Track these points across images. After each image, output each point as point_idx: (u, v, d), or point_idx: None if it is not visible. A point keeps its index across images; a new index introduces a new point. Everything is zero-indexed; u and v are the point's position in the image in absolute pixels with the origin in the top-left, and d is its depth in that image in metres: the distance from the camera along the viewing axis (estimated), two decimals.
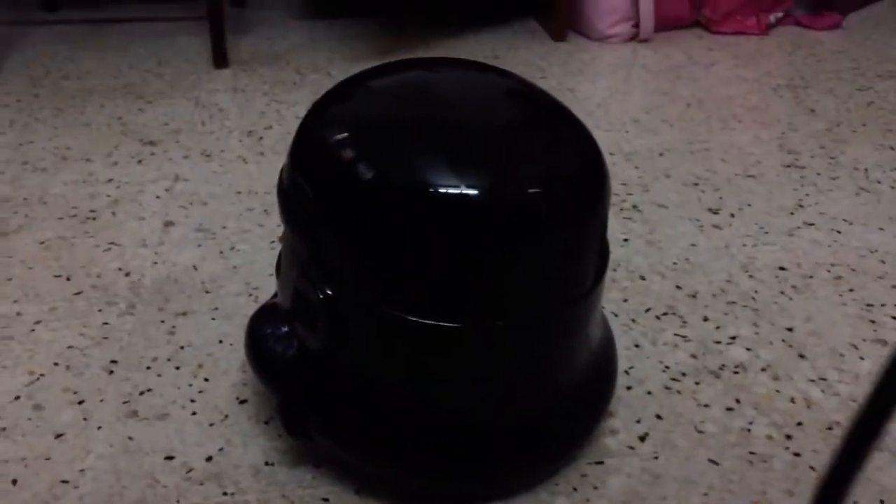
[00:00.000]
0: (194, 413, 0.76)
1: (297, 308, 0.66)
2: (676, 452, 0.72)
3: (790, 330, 0.87)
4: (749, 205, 1.10)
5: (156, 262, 0.97)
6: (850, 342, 0.86)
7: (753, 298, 0.92)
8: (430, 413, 0.66)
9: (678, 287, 0.94)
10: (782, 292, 0.93)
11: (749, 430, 0.75)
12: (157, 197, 1.11)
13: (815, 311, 0.90)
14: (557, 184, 0.62)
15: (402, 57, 0.72)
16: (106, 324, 0.88)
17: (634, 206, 1.10)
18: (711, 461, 0.72)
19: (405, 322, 0.61)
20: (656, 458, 0.72)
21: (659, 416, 0.76)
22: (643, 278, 0.95)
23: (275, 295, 0.77)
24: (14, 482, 0.69)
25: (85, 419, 0.76)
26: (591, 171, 0.64)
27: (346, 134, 0.64)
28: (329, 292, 0.62)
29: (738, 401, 0.78)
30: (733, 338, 0.86)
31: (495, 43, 1.68)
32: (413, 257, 0.60)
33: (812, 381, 0.80)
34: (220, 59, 1.55)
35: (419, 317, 0.60)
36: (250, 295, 0.92)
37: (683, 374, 0.81)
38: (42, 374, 0.81)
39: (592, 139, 0.66)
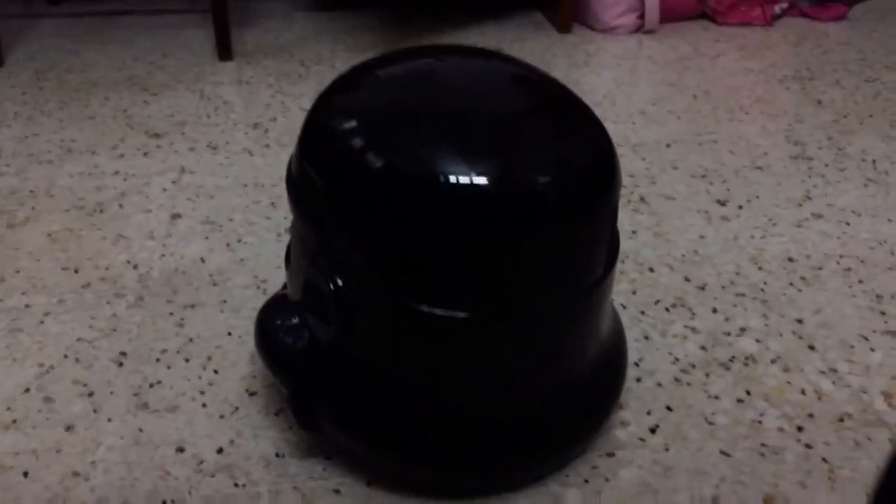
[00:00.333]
0: (204, 405, 0.76)
1: (308, 299, 0.66)
2: (687, 444, 0.72)
3: (800, 321, 0.87)
4: (757, 196, 1.10)
5: (163, 255, 0.97)
6: (861, 333, 0.85)
7: (762, 290, 0.92)
8: (440, 404, 0.66)
9: (687, 279, 0.93)
10: (791, 284, 0.93)
11: (760, 422, 0.74)
12: (164, 189, 1.11)
13: (825, 303, 0.90)
14: (568, 172, 0.62)
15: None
16: (114, 316, 0.87)
17: (642, 199, 1.09)
18: (723, 453, 0.71)
19: (416, 312, 0.60)
20: (667, 449, 0.72)
21: (669, 408, 0.76)
22: (652, 270, 0.95)
23: (284, 287, 0.77)
24: (25, 474, 0.69)
25: (95, 411, 0.76)
26: (601, 159, 0.64)
27: (354, 123, 0.63)
28: (339, 282, 0.62)
29: (748, 392, 0.78)
30: (743, 329, 0.86)
31: (500, 35, 1.67)
32: (423, 247, 0.59)
33: (822, 372, 0.80)
34: (225, 51, 1.55)
35: (430, 306, 0.60)
36: (258, 287, 0.92)
37: (693, 366, 0.81)
38: (52, 367, 0.81)
39: (602, 127, 0.66)
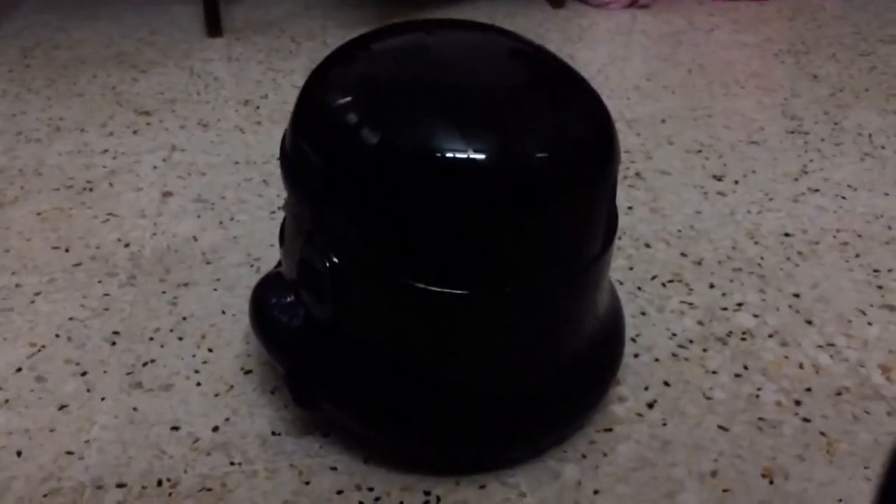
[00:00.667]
0: (199, 384, 0.76)
1: (303, 277, 0.65)
2: (685, 419, 0.72)
3: (797, 296, 0.87)
4: (753, 171, 1.09)
5: (155, 233, 0.96)
6: (858, 308, 0.85)
7: (759, 265, 0.91)
8: (437, 381, 0.66)
9: (683, 254, 0.93)
10: (788, 258, 0.92)
11: (758, 397, 0.74)
12: (155, 167, 1.10)
13: (822, 277, 0.89)
14: (566, 146, 0.61)
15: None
16: (106, 295, 0.86)
17: (637, 174, 1.09)
18: (721, 427, 0.71)
19: (412, 289, 0.60)
20: (665, 424, 0.71)
21: (667, 383, 0.76)
22: (648, 246, 0.94)
23: (278, 264, 0.76)
24: (19, 454, 0.68)
25: (88, 390, 0.75)
26: (600, 133, 0.63)
27: (349, 97, 0.62)
28: (335, 260, 0.61)
29: (745, 367, 0.77)
30: (740, 304, 0.85)
31: (493, 10, 1.65)
32: (420, 223, 0.59)
33: (820, 346, 0.80)
34: (214, 27, 1.53)
35: (427, 284, 0.59)
36: (252, 265, 0.91)
37: (690, 342, 0.80)
38: (43, 346, 0.80)
39: (600, 101, 0.65)
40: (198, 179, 1.07)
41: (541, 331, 0.64)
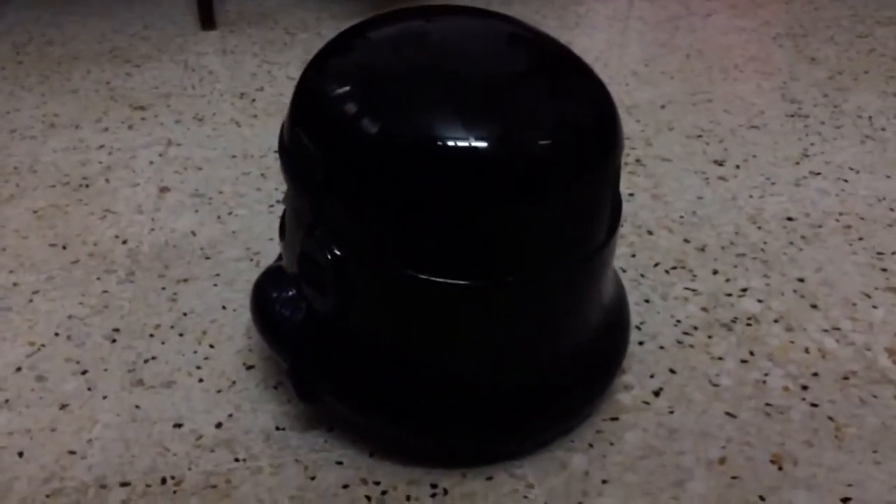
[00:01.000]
0: (201, 380, 0.75)
1: (304, 270, 0.64)
2: (692, 406, 0.72)
3: (801, 280, 0.86)
4: (754, 156, 1.09)
5: (153, 229, 0.95)
6: (863, 291, 0.85)
7: (763, 250, 0.91)
8: (442, 373, 0.65)
9: (686, 241, 0.92)
10: (791, 243, 0.92)
11: (764, 382, 0.74)
12: (151, 162, 1.09)
13: (826, 261, 0.89)
14: (569, 133, 0.60)
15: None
16: (105, 292, 0.86)
17: (638, 160, 1.08)
18: (728, 414, 0.71)
19: (416, 281, 0.59)
20: (672, 412, 0.71)
21: (672, 371, 0.75)
22: (650, 233, 0.94)
23: (278, 258, 0.75)
24: (20, 454, 0.68)
25: (89, 389, 0.74)
26: (603, 119, 0.62)
27: (348, 87, 0.61)
28: (337, 252, 0.61)
29: (751, 353, 0.77)
30: (744, 290, 0.85)
31: None
32: (421, 213, 0.58)
33: (826, 331, 0.79)
34: (208, 20, 1.52)
35: (430, 275, 0.59)
36: (251, 260, 0.90)
37: (695, 328, 0.80)
38: (43, 345, 0.79)
39: (603, 86, 0.64)
40: (194, 174, 1.06)
41: (546, 321, 0.64)
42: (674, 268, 0.88)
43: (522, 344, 0.64)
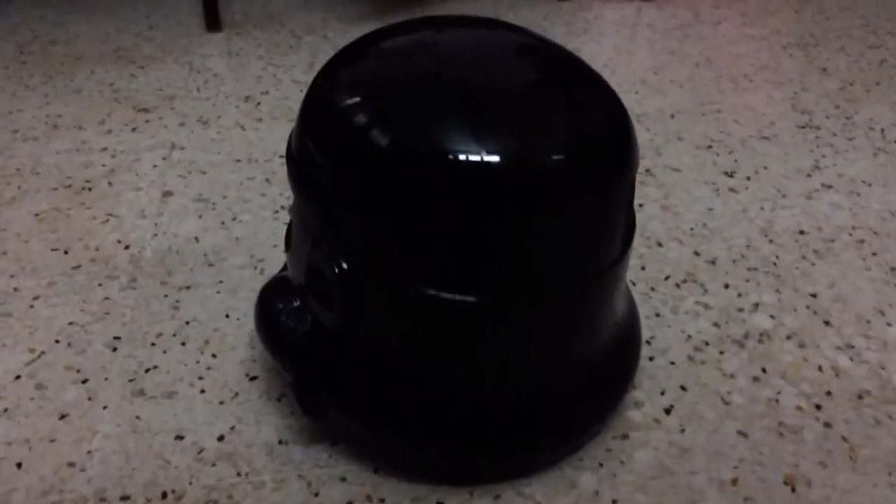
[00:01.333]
0: (203, 391, 0.74)
1: (311, 283, 0.63)
2: (703, 425, 0.70)
3: (814, 296, 0.85)
4: (765, 167, 1.07)
5: (156, 234, 0.94)
6: (877, 307, 0.83)
7: (775, 264, 0.89)
8: (449, 389, 0.64)
9: (697, 253, 0.91)
10: (804, 257, 0.91)
11: (777, 401, 0.72)
12: (154, 166, 1.08)
13: (839, 276, 0.88)
14: (583, 146, 0.59)
15: (401, 19, 0.68)
16: (107, 299, 0.84)
17: (648, 171, 1.07)
18: (740, 433, 0.69)
19: (425, 296, 0.58)
20: (683, 430, 0.70)
21: (683, 388, 0.74)
22: (660, 245, 0.92)
23: (283, 268, 0.74)
24: (19, 465, 0.66)
25: (90, 398, 0.73)
26: (617, 132, 0.61)
27: (358, 97, 0.60)
28: (344, 266, 0.59)
29: (764, 370, 0.76)
30: (756, 305, 0.83)
31: (495, 3, 1.63)
32: (432, 228, 0.57)
33: (839, 348, 0.78)
34: (213, 22, 1.51)
35: (440, 291, 0.57)
36: (255, 267, 0.89)
37: (707, 344, 0.79)
38: (43, 352, 0.78)
39: (617, 97, 0.63)
40: (198, 178, 1.05)
41: (557, 338, 0.62)
42: (684, 281, 0.87)
43: (532, 361, 0.62)
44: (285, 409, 0.71)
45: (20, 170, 1.06)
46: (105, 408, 0.72)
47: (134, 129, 1.16)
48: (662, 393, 0.73)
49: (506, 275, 0.58)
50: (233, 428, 0.70)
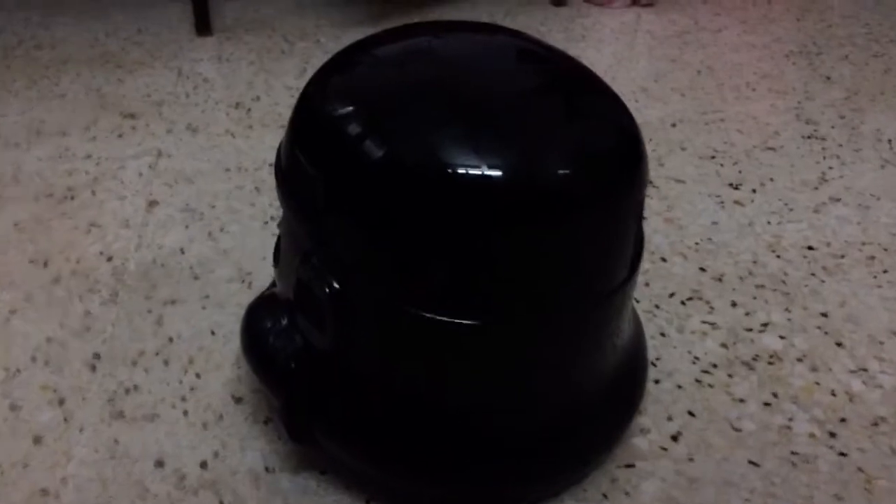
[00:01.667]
0: (186, 413, 0.70)
1: (300, 302, 0.59)
2: (712, 453, 0.67)
3: (825, 315, 0.81)
4: (771, 179, 1.04)
5: (140, 246, 0.90)
6: (890, 328, 0.80)
7: (783, 281, 0.86)
8: (446, 416, 0.60)
9: (702, 269, 0.88)
10: (813, 274, 0.87)
11: (790, 428, 0.69)
12: (140, 174, 1.04)
13: (850, 295, 0.84)
14: (589, 160, 0.55)
15: (395, 24, 0.65)
16: (88, 313, 0.81)
17: (650, 182, 1.03)
18: (751, 462, 0.66)
19: (422, 319, 0.54)
20: (691, 459, 0.66)
21: (691, 413, 0.70)
22: (664, 260, 0.89)
23: (272, 285, 0.71)
24: None
25: (66, 420, 0.69)
26: (626, 144, 0.57)
27: (351, 107, 0.56)
28: (336, 286, 0.56)
29: (775, 395, 0.72)
30: (765, 325, 0.80)
31: (492, 8, 1.60)
32: (430, 245, 0.53)
33: (852, 371, 0.75)
34: (203, 26, 1.47)
35: (437, 313, 0.54)
36: (243, 281, 0.85)
37: (714, 366, 0.75)
38: (18, 370, 0.74)
39: (624, 106, 0.59)
40: (185, 187, 1.01)
41: (560, 363, 0.59)
42: (690, 298, 0.83)
43: (534, 387, 0.59)
44: (272, 433, 0.68)
45: (0, 177, 1.02)
46: (82, 430, 0.68)
47: (120, 136, 1.13)
48: (669, 419, 0.70)
49: (507, 297, 0.54)
50: (216, 454, 0.66)
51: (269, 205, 0.97)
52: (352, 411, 0.61)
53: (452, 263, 0.53)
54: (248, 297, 0.74)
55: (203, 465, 0.65)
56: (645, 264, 0.88)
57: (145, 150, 1.09)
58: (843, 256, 0.90)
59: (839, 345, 0.78)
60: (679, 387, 0.73)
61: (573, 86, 0.60)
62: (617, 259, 0.57)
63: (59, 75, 1.30)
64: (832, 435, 0.69)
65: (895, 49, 1.45)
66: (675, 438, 0.68)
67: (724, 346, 0.77)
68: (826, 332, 0.79)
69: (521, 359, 0.57)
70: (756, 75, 1.34)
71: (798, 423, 0.70)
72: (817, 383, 0.73)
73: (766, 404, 0.71)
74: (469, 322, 0.54)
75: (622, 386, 0.66)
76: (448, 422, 0.60)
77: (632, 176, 0.56)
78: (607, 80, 1.23)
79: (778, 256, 0.90)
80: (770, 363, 0.75)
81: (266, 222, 0.94)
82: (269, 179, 1.02)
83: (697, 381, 0.73)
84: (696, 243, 0.92)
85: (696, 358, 0.76)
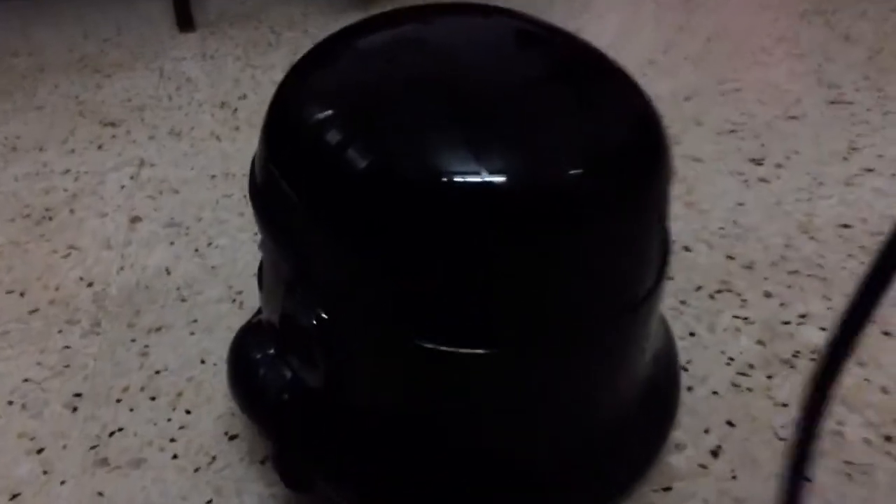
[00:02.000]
0: (175, 456, 0.64)
1: (287, 336, 0.53)
2: (757, 469, 0.60)
3: None
4: (796, 152, 0.97)
5: (122, 267, 0.84)
6: None
7: (819, 265, 0.79)
8: (454, 455, 0.53)
9: (730, 257, 0.81)
10: (850, 255, 0.80)
11: (841, 434, 0.62)
12: (122, 187, 0.97)
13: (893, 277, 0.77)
14: (605, 156, 0.48)
15: (386, 9, 0.58)
16: (67, 348, 0.75)
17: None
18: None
19: (421, 350, 0.47)
20: (735, 477, 0.60)
21: (731, 423, 0.64)
22: (688, 249, 0.82)
23: (260, 311, 0.64)
24: None
25: (45, 472, 0.63)
26: (646, 136, 0.50)
27: (332, 110, 0.49)
28: (324, 316, 0.49)
29: None
30: (803, 316, 0.73)
31: None
32: (428, 265, 0.46)
33: None
34: (186, 21, 1.40)
35: (438, 343, 0.47)
36: (234, 301, 0.79)
37: (752, 367, 0.68)
38: None
39: (642, 93, 0.52)
40: (170, 199, 0.95)
41: (583, 388, 0.52)
42: (719, 291, 0.77)
43: (552, 420, 0.52)
44: (270, 474, 0.62)
45: None
46: (63, 483, 0.62)
47: (99, 147, 1.06)
48: (707, 431, 0.63)
49: (518, 319, 0.47)
50: (210, 502, 0.60)
51: None
52: (350, 452, 0.54)
53: (455, 285, 0.46)
54: (239, 320, 0.68)
55: None
56: None
57: (126, 160, 1.03)
58: (881, 234, 0.83)
59: (887, 334, 0.71)
60: (714, 393, 0.66)
61: (583, 72, 0.53)
62: (641, 266, 0.51)
63: (35, 85, 1.23)
64: (888, 439, 0.62)
65: None
66: (714, 454, 0.61)
67: (760, 343, 0.71)
68: (871, 321, 0.72)
69: (537, 389, 0.50)
70: (770, 38, 1.26)
71: (850, 427, 0.63)
72: (867, 380, 0.67)
73: None
74: (477, 351, 0.47)
75: (653, 403, 0.59)
76: (455, 461, 0.53)
77: (653, 171, 0.50)
78: (612, 54, 1.13)
79: (811, 238, 0.83)
80: (812, 359, 0.69)
81: (256, 233, 0.87)
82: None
83: (734, 385, 0.67)
84: (721, 228, 0.85)
85: (731, 359, 0.69)
